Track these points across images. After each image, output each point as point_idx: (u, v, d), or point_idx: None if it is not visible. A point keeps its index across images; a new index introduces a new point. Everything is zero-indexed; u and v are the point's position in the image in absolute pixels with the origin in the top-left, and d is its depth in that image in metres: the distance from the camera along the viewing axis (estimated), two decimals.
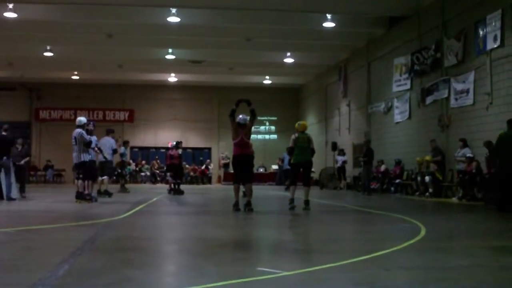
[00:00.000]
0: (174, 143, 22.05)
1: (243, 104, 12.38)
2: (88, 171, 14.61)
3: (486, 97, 16.25)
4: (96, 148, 15.62)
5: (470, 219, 11.49)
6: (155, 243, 7.26)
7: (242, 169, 12.29)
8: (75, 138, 14.13)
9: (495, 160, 13.28)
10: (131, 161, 35.17)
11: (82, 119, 14.73)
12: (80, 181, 14.32)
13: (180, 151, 20.69)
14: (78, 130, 14.22)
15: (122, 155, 22.19)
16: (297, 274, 4.85)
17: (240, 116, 12.33)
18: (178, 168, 20.96)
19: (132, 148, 36.58)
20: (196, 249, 6.58)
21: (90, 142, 14.42)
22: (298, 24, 23.00)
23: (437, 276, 4.81)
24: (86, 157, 14.33)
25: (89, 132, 15.06)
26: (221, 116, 35.82)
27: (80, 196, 14.18)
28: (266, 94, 37.40)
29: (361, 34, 25.16)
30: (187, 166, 33.65)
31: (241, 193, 12.70)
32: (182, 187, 20.68)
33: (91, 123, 15.81)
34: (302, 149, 12.54)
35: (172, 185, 20.51)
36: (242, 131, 12.18)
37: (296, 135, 12.67)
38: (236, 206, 12.05)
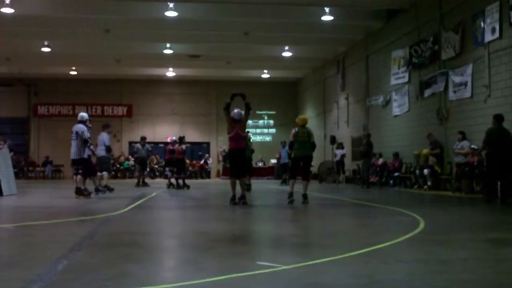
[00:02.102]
0: (174, 137, 22.07)
1: (238, 98, 12.42)
2: (88, 167, 14.63)
3: (484, 90, 16.24)
4: (91, 146, 15.56)
5: (468, 212, 11.50)
6: (154, 237, 7.26)
7: (238, 163, 12.35)
8: (76, 132, 14.09)
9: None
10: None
11: (84, 114, 14.72)
12: (79, 177, 14.29)
13: (184, 146, 20.71)
14: (80, 125, 14.19)
15: (137, 151, 22.43)
16: (296, 267, 4.86)
17: (235, 110, 12.37)
18: (182, 163, 20.99)
19: (130, 143, 36.59)
20: (195, 243, 6.58)
21: (88, 140, 14.32)
22: (296, 17, 22.98)
23: (435, 269, 4.82)
24: (86, 154, 14.35)
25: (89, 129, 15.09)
26: (219, 110, 35.58)
27: (79, 192, 14.18)
28: (264, 88, 37.38)
29: (359, 27, 25.12)
30: (186, 161, 33.61)
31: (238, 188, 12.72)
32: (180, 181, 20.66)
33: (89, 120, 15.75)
34: (302, 143, 12.54)
35: (179, 180, 20.45)
36: (237, 125, 12.24)
37: (296, 129, 12.68)
38: (233, 200, 12.10)
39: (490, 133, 12.84)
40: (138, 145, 22.60)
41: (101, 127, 17.59)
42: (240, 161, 12.44)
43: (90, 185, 15.17)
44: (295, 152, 12.72)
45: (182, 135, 21.42)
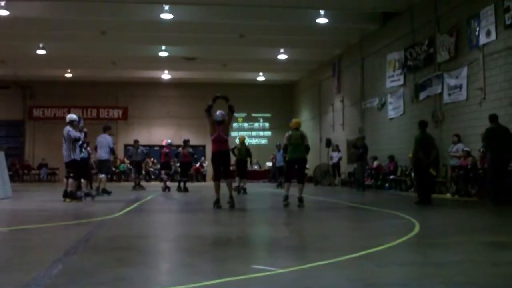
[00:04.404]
0: (169, 141, 22.09)
1: (221, 100, 12.42)
2: (80, 169, 14.54)
3: (479, 93, 16.28)
4: (85, 146, 15.40)
5: (464, 215, 11.53)
6: (149, 241, 7.25)
7: (221, 166, 12.31)
8: (64, 136, 14.05)
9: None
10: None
11: (71, 116, 14.53)
12: (70, 180, 14.15)
13: (190, 149, 20.68)
14: (66, 128, 14.11)
15: (132, 155, 22.40)
16: (291, 271, 4.85)
17: (217, 112, 12.35)
18: (188, 166, 21.01)
19: (126, 146, 36.57)
20: (190, 247, 6.57)
21: (78, 138, 14.18)
22: (292, 20, 23.00)
23: (430, 272, 4.82)
24: (77, 156, 14.21)
25: (80, 129, 15.05)
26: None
27: (68, 195, 14.03)
28: (260, 91, 37.48)
29: (355, 30, 25.18)
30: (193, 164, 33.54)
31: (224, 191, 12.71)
32: (174, 184, 20.65)
33: (80, 120, 15.64)
34: (296, 146, 12.59)
35: (181, 183, 20.46)
36: (219, 127, 12.20)
37: (290, 132, 12.74)
38: (217, 203, 12.04)
39: (420, 139, 13.64)
40: (132, 149, 22.55)
41: (102, 129, 17.44)
42: (223, 164, 12.39)
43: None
44: (289, 155, 12.77)
45: (186, 139, 21.22)
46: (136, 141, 22.62)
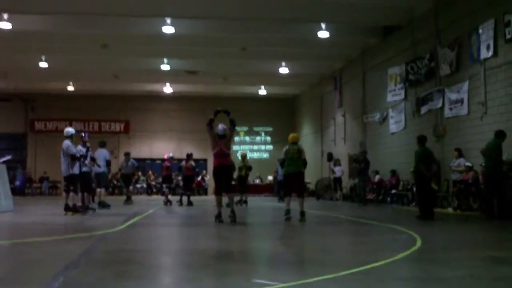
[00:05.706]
0: (170, 154, 22.05)
1: (222, 114, 12.41)
2: (81, 183, 14.54)
3: (480, 107, 16.29)
4: (82, 160, 15.32)
5: (465, 230, 11.51)
6: (151, 255, 7.24)
7: (223, 180, 12.29)
8: (63, 150, 14.05)
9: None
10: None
11: (68, 130, 14.53)
12: (71, 193, 14.14)
13: (192, 163, 20.66)
14: (65, 141, 14.11)
15: (121, 168, 22.24)
16: (292, 286, 4.84)
17: (219, 126, 12.31)
18: (191, 180, 21.00)
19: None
20: (192, 261, 6.57)
21: (77, 156, 14.21)
22: (293, 33, 23.09)
23: None
24: (76, 170, 14.21)
25: (84, 143, 15.11)
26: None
27: (70, 209, 14.03)
28: (261, 105, 37.49)
29: (356, 43, 25.25)
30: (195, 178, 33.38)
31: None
32: (175, 198, 20.61)
33: (86, 133, 15.72)
34: (292, 160, 12.66)
35: (184, 196, 20.43)
36: (221, 142, 12.17)
37: (287, 146, 12.81)
38: (219, 218, 12.00)
39: (419, 154, 13.67)
40: (122, 161, 22.50)
41: (99, 144, 17.67)
42: (224, 177, 12.38)
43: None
44: (286, 169, 12.85)
45: (190, 153, 21.24)
46: (127, 154, 22.39)
